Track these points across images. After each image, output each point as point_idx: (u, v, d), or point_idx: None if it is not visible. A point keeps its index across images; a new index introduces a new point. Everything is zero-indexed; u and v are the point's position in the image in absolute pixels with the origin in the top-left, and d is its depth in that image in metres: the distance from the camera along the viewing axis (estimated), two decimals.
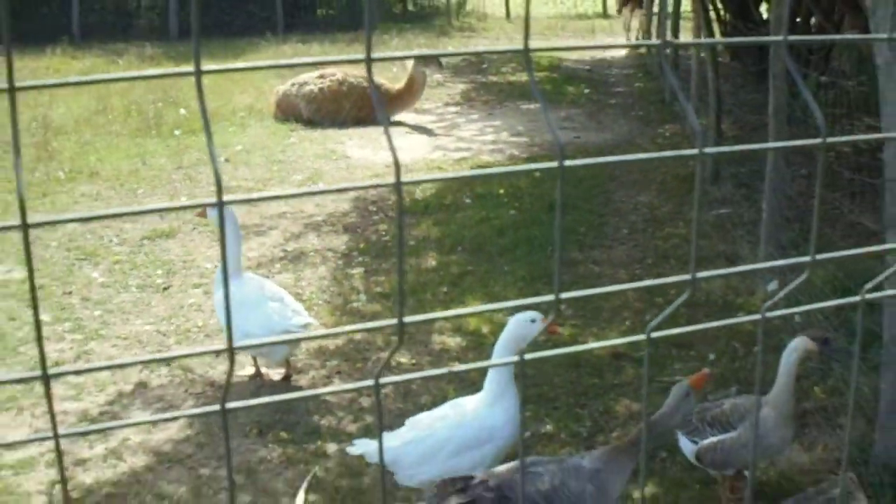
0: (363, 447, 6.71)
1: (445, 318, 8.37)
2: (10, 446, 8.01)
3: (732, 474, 7.01)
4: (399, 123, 19.05)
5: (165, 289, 11.06)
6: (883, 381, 6.78)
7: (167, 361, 9.37)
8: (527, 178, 14.57)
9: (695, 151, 1.64)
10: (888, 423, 6.70)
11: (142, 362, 1.59)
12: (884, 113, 6.42)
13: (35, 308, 1.48)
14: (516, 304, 1.98)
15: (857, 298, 1.93)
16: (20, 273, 11.36)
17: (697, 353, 9.08)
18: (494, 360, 6.74)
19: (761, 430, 6.53)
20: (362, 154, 16.69)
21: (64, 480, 1.46)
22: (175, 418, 1.50)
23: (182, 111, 19.00)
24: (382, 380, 1.63)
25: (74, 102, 19.81)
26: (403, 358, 9.26)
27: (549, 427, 8.08)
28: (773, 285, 9.60)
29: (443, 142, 17.86)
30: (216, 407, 1.50)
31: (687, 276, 1.58)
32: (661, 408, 6.06)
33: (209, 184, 14.80)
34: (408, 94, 19.14)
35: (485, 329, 9.50)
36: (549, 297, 1.60)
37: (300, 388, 8.79)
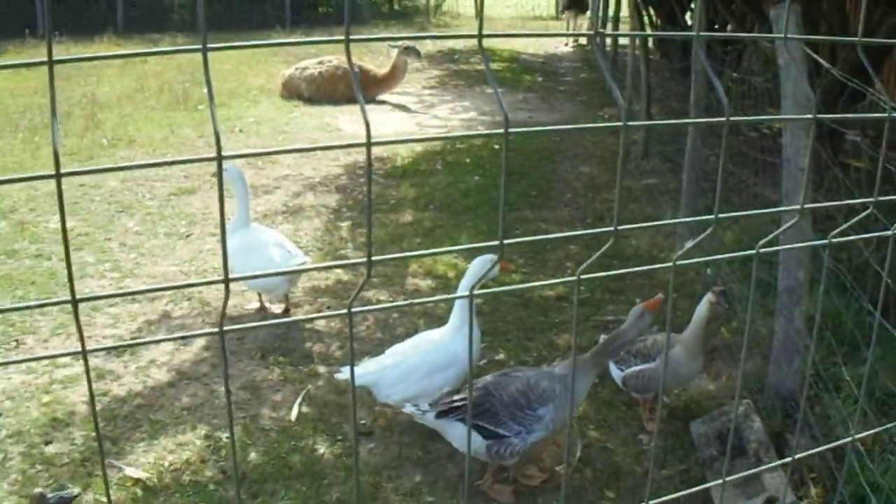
0: (348, 373, 6.87)
1: (418, 264, 8.48)
2: (52, 360, 8.05)
3: (651, 397, 7.12)
4: (383, 102, 19.09)
5: (188, 236, 11.10)
6: (776, 324, 6.87)
7: (174, 290, 9.39)
8: (489, 150, 14.63)
9: (620, 124, 1.68)
10: (779, 359, 6.80)
11: (154, 290, 1.61)
12: (783, 105, 6.53)
13: (65, 244, 1.50)
14: (468, 248, 2.02)
15: (752, 252, 1.96)
16: (70, 222, 11.39)
17: (626, 297, 9.16)
18: (460, 293, 6.84)
19: (674, 363, 6.70)
20: (352, 127, 16.72)
21: (91, 394, 1.48)
22: (182, 338, 1.54)
23: (205, 90, 18.89)
24: (354, 309, 1.67)
25: (117, 82, 19.82)
26: (382, 296, 9.32)
27: (501, 355, 8.16)
28: (689, 243, 9.67)
29: (420, 119, 17.90)
30: (215, 329, 1.52)
31: (610, 228, 1.61)
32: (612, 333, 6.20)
33: (226, 149, 14.69)
34: (391, 78, 19.29)
35: (451, 273, 9.55)
36: (496, 242, 1.63)
37: (299, 324, 8.86)
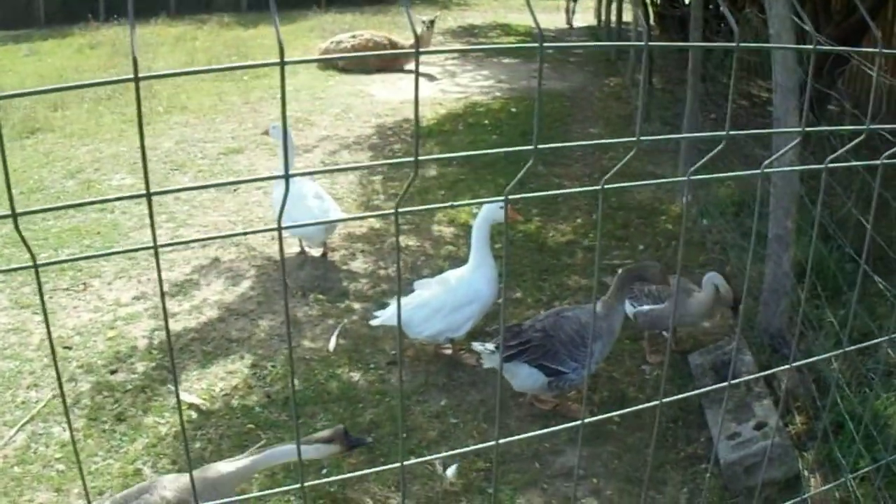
0: (380, 318, 7.06)
1: (442, 213, 8.46)
2: (116, 300, 8.11)
3: (657, 333, 7.16)
4: (409, 72, 18.97)
5: (235, 190, 11.10)
6: (766, 268, 6.85)
7: (230, 238, 9.42)
8: (506, 112, 14.60)
9: (633, 139, 1.64)
10: (768, 300, 6.79)
11: (208, 239, 1.60)
12: (774, 70, 6.47)
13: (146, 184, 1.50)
14: (478, 202, 1.99)
15: (758, 171, 1.93)
16: (130, 180, 11.50)
17: (630, 244, 9.16)
18: (474, 236, 6.87)
19: (685, 308, 6.72)
20: (382, 93, 16.68)
21: (166, 320, 1.47)
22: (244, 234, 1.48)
23: (250, 61, 18.92)
24: (401, 210, 1.65)
25: (170, 57, 19.84)
26: (411, 241, 9.31)
27: (519, 294, 8.17)
28: (689, 198, 9.65)
29: (444, 86, 17.80)
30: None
31: (633, 139, 1.59)
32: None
33: (267, 114, 14.81)
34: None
35: (471, 222, 9.55)
36: (501, 199, 1.62)
37: (333, 263, 8.86)
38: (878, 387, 5.84)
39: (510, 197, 1.66)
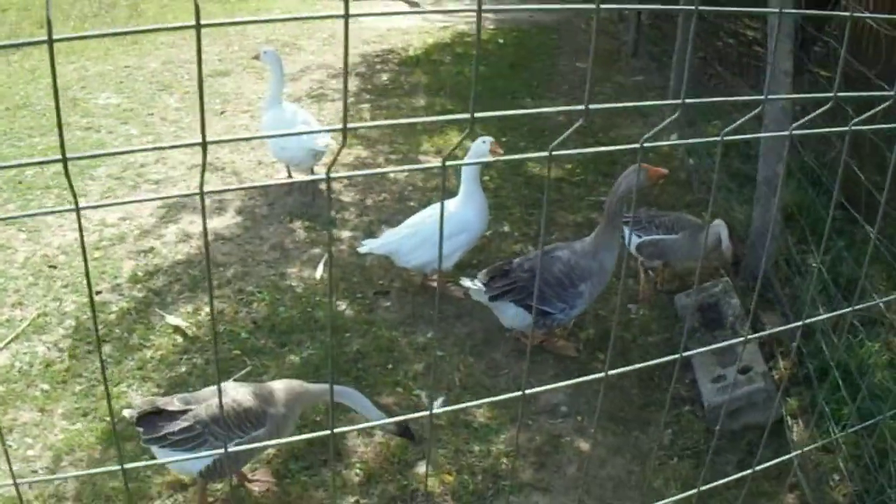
0: (368, 245, 6.98)
1: (430, 143, 8.32)
2: (102, 220, 7.99)
3: (657, 267, 7.16)
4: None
5: (222, 113, 10.98)
6: (754, 212, 6.80)
7: (220, 169, 9.28)
8: (494, 43, 14.36)
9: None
10: (755, 243, 6.74)
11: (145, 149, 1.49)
12: (770, 17, 6.35)
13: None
14: (439, 119, 1.89)
15: (716, 139, 1.85)
16: (116, 99, 11.29)
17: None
18: (464, 172, 6.78)
19: (693, 243, 6.70)
20: (369, 20, 16.36)
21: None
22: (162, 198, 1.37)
23: None
24: (333, 175, 1.53)
25: None
26: (399, 174, 9.21)
27: (506, 228, 8.09)
28: (674, 136, 9.53)
29: (429, 14, 17.49)
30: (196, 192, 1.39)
31: (581, 107, 1.50)
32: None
33: (254, 36, 14.55)
34: None
35: (458, 152, 9.43)
36: (466, 115, 1.52)
37: (321, 191, 8.73)
38: (864, 335, 5.80)
39: (476, 115, 1.55)
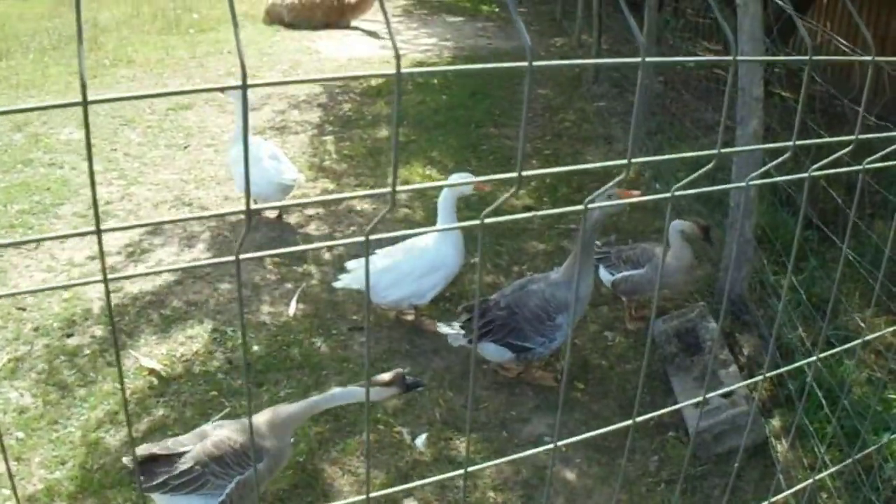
0: (343, 280, 6.87)
1: (399, 177, 8.22)
2: (70, 259, 7.86)
3: (637, 300, 7.07)
4: (356, 28, 18.52)
5: (185, 147, 10.87)
6: (727, 235, 6.78)
7: (182, 199, 9.18)
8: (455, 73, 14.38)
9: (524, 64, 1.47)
10: (729, 267, 6.73)
11: (181, 220, 1.43)
12: (739, 38, 6.34)
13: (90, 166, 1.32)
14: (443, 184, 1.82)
15: (667, 195, 1.79)
16: (79, 134, 11.14)
17: (629, 209, 8.95)
18: (441, 205, 6.72)
19: (665, 271, 6.60)
20: (329, 50, 16.30)
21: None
22: (199, 266, 1.31)
23: (195, 15, 18.53)
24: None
25: (116, 8, 19.14)
26: (365, 204, 9.12)
27: (476, 259, 7.99)
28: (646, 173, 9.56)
29: (388, 43, 17.45)
30: (231, 258, 1.34)
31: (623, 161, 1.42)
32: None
33: (215, 69, 14.45)
34: (362, 5, 18.69)
35: (426, 182, 9.39)
36: (514, 174, 1.44)
37: (290, 225, 8.66)
38: (843, 354, 5.80)
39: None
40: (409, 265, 6.67)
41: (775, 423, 5.63)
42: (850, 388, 5.56)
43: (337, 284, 6.90)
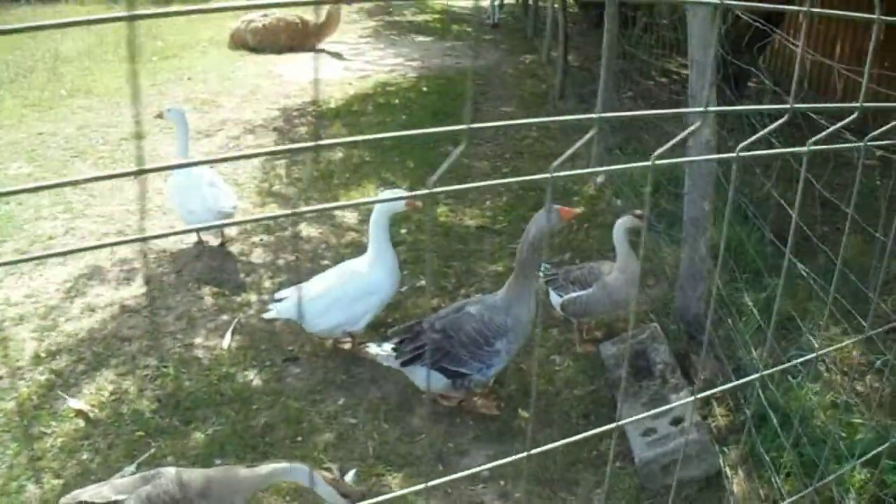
0: (274, 312, 6.55)
1: (346, 198, 7.91)
2: (5, 299, 7.53)
3: (588, 322, 6.74)
4: (321, 51, 18.29)
5: (135, 178, 10.49)
6: (682, 252, 6.45)
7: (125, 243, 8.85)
8: (417, 91, 14.05)
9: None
10: (684, 285, 6.37)
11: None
12: (690, 45, 6.02)
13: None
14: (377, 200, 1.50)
15: (647, 164, 1.52)
16: (28, 168, 10.85)
17: (569, 228, 8.58)
18: (372, 226, 6.37)
19: (610, 288, 6.23)
20: (291, 73, 16.03)
21: None
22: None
23: (159, 43, 18.35)
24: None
25: (79, 37, 18.90)
26: (312, 230, 8.79)
27: (422, 282, 7.68)
28: (600, 179, 9.17)
29: (353, 65, 17.18)
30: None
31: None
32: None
33: (174, 97, 14.15)
34: (327, 27, 18.55)
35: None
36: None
37: (231, 254, 8.32)
38: (805, 377, 5.45)
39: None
40: (340, 290, 6.33)
41: (730, 452, 5.26)
42: (810, 413, 5.19)
43: (267, 315, 6.57)
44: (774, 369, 2.58)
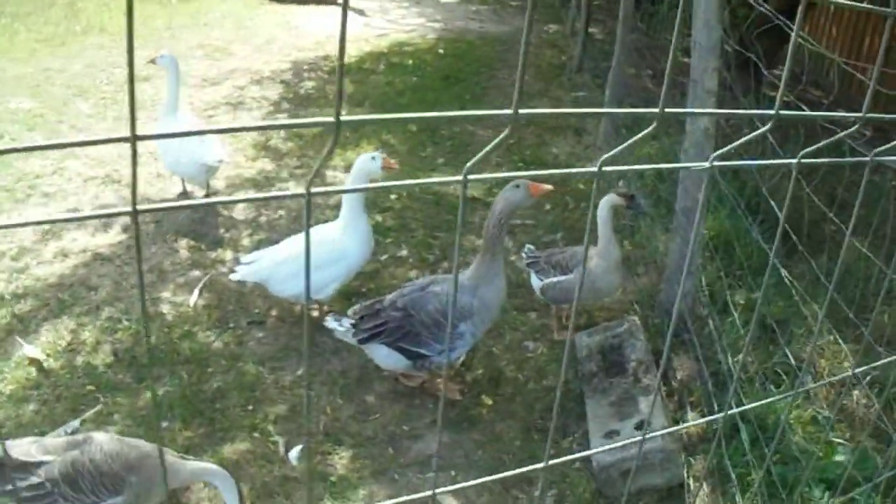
0: (240, 272, 6.24)
1: (340, 157, 7.56)
2: None
3: (568, 308, 6.38)
4: (345, 5, 17.83)
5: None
6: (672, 243, 6.08)
7: (116, 181, 8.57)
8: (433, 54, 13.65)
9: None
10: (671, 278, 6.01)
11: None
12: (694, 27, 5.65)
13: None
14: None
15: (594, 170, 1.21)
16: (29, 104, 10.63)
17: (538, 203, 8.16)
18: (346, 196, 6.03)
19: (591, 275, 5.84)
20: (310, 26, 15.69)
21: None
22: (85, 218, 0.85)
23: None
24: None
25: None
26: (301, 188, 8.46)
27: (404, 252, 7.36)
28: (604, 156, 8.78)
29: (374, 21, 16.77)
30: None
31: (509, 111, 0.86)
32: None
33: (187, 41, 13.86)
34: None
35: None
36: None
37: (214, 206, 8.03)
38: (787, 386, 5.10)
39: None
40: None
41: (696, 463, 4.91)
42: (788, 427, 4.83)
43: (233, 276, 6.25)
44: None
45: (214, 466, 4.24)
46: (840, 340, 5.33)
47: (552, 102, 11.30)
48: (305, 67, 12.58)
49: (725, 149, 1.39)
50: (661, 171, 7.78)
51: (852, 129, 1.49)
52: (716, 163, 1.41)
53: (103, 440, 4.23)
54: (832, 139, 1.57)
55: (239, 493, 4.24)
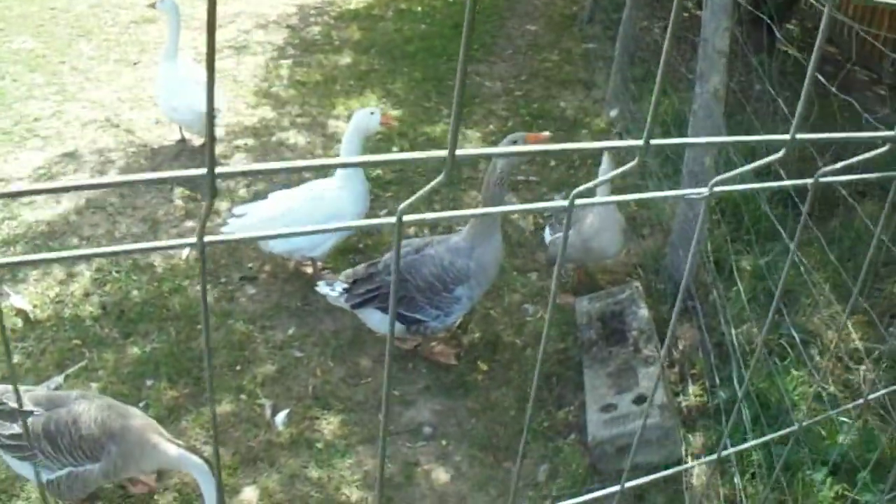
0: (232, 226, 5.96)
1: (344, 106, 7.31)
2: None
3: (573, 267, 6.20)
4: None
5: (135, 64, 9.99)
6: (678, 207, 5.87)
7: (115, 125, 8.35)
8: (442, 1, 13.27)
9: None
10: (677, 243, 5.78)
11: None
12: None
13: None
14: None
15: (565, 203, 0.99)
16: (32, 44, 10.39)
17: (540, 158, 7.91)
18: (344, 147, 5.80)
19: (587, 233, 5.57)
20: None
21: None
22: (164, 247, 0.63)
23: None
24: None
25: None
26: (300, 138, 8.23)
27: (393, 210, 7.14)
28: (614, 112, 8.48)
29: None
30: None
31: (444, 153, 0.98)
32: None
33: None
34: None
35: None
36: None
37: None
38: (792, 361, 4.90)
39: None
40: (304, 214, 5.77)
41: (696, 440, 4.71)
42: (791, 404, 4.63)
43: (224, 229, 6.04)
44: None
45: (198, 459, 4.09)
46: (843, 313, 5.12)
47: (563, 54, 10.96)
48: (312, 12, 12.21)
49: (725, 175, 1.16)
50: (669, 128, 7.51)
51: (876, 151, 1.26)
52: (716, 188, 1.19)
53: (93, 405, 4.16)
54: (856, 159, 1.34)
55: (219, 491, 4.09)
